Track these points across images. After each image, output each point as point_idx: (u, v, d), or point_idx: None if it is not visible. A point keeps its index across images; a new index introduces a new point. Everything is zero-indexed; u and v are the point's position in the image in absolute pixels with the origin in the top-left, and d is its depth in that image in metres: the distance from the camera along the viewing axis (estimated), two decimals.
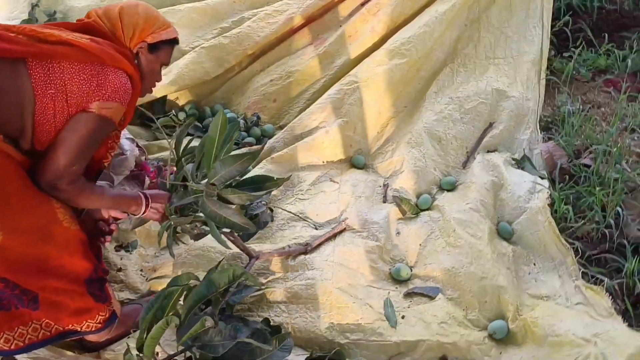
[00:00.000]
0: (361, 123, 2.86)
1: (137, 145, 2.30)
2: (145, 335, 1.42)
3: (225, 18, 3.43)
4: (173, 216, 1.78)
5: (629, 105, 3.04)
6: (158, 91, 3.01)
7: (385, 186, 2.62)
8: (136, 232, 2.33)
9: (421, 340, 1.91)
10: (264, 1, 3.52)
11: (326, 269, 2.11)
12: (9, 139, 1.45)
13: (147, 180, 2.30)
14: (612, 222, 2.28)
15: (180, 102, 3.21)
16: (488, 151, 2.81)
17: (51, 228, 1.53)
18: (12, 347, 1.58)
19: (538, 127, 2.95)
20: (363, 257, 2.20)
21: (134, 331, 1.89)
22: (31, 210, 1.48)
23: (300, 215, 2.42)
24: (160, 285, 2.10)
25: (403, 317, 1.99)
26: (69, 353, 1.82)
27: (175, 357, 1.48)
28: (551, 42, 3.34)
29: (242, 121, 3.04)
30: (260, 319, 1.85)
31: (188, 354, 1.47)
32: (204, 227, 1.85)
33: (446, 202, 2.47)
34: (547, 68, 3.22)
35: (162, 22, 1.72)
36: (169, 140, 1.90)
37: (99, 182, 1.82)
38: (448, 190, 2.60)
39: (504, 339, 1.94)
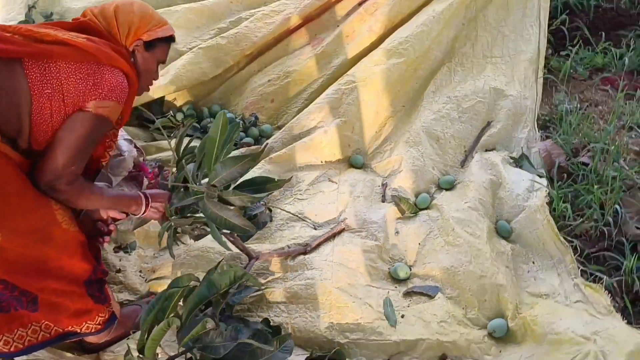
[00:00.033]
0: (359, 123, 2.87)
1: (135, 146, 2.30)
2: (146, 337, 1.42)
3: (222, 18, 3.43)
4: (173, 217, 1.78)
5: (626, 104, 3.05)
6: (156, 92, 3.01)
7: (384, 186, 2.63)
8: (135, 233, 2.33)
9: (421, 339, 1.91)
10: (261, 1, 3.52)
11: (325, 269, 2.12)
12: (6, 139, 1.45)
13: (146, 181, 2.29)
14: (610, 220, 2.29)
15: (178, 103, 3.21)
16: (486, 150, 2.81)
17: (50, 229, 1.53)
18: (12, 349, 1.58)
19: (536, 125, 2.95)
20: (362, 257, 2.20)
21: (134, 332, 1.89)
22: (31, 212, 1.48)
23: (299, 215, 2.42)
24: (160, 286, 2.10)
25: (403, 316, 1.99)
26: (69, 355, 1.82)
27: (176, 359, 1.48)
28: (548, 41, 3.34)
29: (240, 121, 3.03)
30: (260, 319, 1.85)
31: (189, 355, 1.47)
32: (204, 227, 1.85)
33: (445, 201, 2.47)
34: (545, 67, 3.22)
35: (158, 19, 1.72)
36: (169, 140, 1.89)
37: (97, 184, 1.81)
38: (446, 190, 2.61)
39: (504, 337, 1.95)
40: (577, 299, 2.01)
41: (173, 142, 1.82)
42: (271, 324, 1.82)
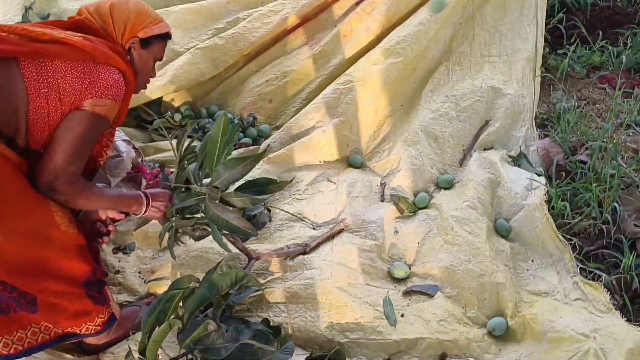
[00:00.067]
0: (357, 122, 2.86)
1: (134, 147, 2.29)
2: (147, 339, 1.42)
3: (219, 19, 3.42)
4: (174, 218, 1.78)
5: (623, 102, 3.06)
6: (153, 92, 3.00)
7: (383, 185, 2.63)
8: (134, 234, 2.33)
9: (421, 338, 1.91)
10: (258, 1, 3.51)
11: (325, 269, 2.12)
12: (4, 138, 1.45)
13: (144, 182, 2.29)
14: (609, 217, 2.29)
15: (176, 104, 3.20)
16: (484, 149, 2.81)
17: (49, 231, 1.53)
18: (11, 351, 1.57)
19: (534, 124, 2.96)
20: (361, 256, 2.20)
21: (133, 333, 1.89)
22: (31, 212, 1.47)
23: (298, 215, 2.42)
24: (159, 287, 2.10)
25: (402, 315, 1.99)
26: (68, 356, 1.81)
27: None
28: (545, 40, 3.34)
29: (238, 122, 3.03)
30: (260, 320, 1.84)
31: (190, 356, 1.47)
32: (205, 228, 1.85)
33: (444, 200, 2.48)
34: (542, 65, 3.23)
35: (154, 17, 1.71)
36: (170, 141, 1.89)
37: (96, 184, 1.81)
38: (445, 188, 2.61)
39: (503, 335, 1.95)
40: (577, 296, 2.01)
41: (174, 142, 1.82)
42: (271, 324, 1.82)
